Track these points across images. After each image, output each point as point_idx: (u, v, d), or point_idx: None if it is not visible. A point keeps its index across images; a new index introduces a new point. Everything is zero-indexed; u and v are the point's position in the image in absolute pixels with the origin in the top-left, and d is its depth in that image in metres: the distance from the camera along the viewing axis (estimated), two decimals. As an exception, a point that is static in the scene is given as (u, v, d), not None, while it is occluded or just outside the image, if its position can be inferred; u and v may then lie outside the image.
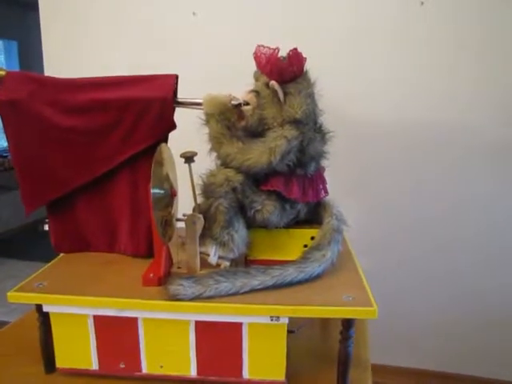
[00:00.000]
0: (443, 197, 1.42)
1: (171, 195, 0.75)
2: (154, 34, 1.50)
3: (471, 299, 1.48)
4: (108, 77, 0.82)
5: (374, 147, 1.42)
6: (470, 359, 1.53)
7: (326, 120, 0.80)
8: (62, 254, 0.85)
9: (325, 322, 0.90)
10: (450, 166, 1.40)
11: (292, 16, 1.37)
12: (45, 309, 0.70)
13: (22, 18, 3.43)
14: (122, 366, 0.72)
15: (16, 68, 3.66)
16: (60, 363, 0.73)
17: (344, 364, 0.69)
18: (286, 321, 0.66)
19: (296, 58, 0.74)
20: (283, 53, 0.74)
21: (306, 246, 0.79)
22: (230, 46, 1.35)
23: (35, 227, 3.11)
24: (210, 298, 0.66)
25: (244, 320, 0.67)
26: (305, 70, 0.77)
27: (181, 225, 0.75)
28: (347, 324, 0.68)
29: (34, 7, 1.59)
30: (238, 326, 0.68)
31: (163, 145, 0.74)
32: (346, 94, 1.34)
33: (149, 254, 0.81)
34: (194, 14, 1.46)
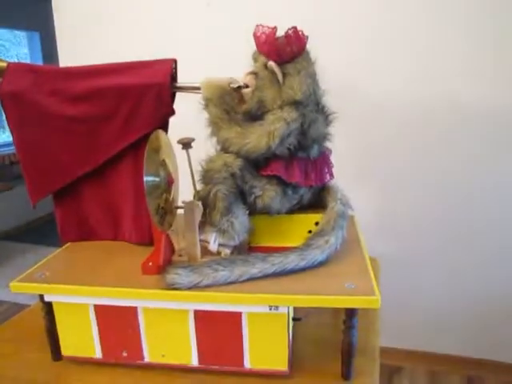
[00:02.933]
0: (459, 180, 1.37)
1: (168, 182, 0.73)
2: (166, 21, 1.48)
3: (496, 284, 1.44)
4: (106, 64, 0.81)
5: (382, 126, 1.38)
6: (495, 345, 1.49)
7: (329, 100, 0.76)
8: (68, 244, 0.86)
9: (335, 309, 0.87)
10: (462, 147, 1.34)
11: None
12: (46, 298, 0.70)
13: (42, 9, 3.45)
14: (125, 354, 0.72)
15: (39, 59, 3.71)
16: (65, 351, 0.74)
17: (347, 353, 0.66)
18: (286, 310, 0.64)
19: (295, 37, 0.70)
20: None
21: (310, 231, 0.76)
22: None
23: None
24: (207, 287, 0.65)
25: (243, 309, 0.65)
26: (306, 49, 0.73)
27: (182, 212, 0.73)
28: (350, 313, 0.65)
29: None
30: (237, 315, 0.66)
31: (159, 131, 0.72)
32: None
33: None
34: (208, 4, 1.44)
